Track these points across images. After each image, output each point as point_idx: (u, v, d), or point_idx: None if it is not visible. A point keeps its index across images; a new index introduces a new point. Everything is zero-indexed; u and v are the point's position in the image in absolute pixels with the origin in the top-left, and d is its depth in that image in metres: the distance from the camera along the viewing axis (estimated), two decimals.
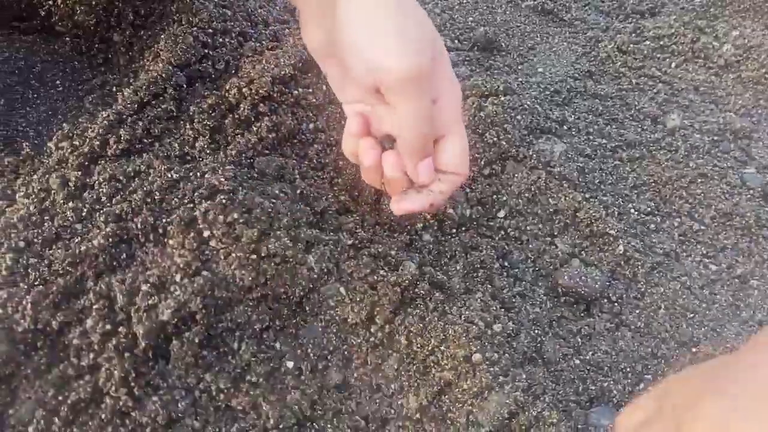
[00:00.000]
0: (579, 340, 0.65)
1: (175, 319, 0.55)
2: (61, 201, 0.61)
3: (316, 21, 0.51)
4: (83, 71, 0.80)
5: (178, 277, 0.57)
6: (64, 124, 0.68)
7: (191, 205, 0.62)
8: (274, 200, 0.64)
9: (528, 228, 0.72)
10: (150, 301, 0.55)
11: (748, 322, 0.69)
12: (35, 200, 0.61)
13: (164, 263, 0.59)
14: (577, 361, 0.64)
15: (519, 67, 0.90)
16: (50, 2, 0.82)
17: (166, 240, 0.60)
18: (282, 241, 0.60)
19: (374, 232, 0.69)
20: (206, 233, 0.60)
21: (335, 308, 0.60)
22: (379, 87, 0.49)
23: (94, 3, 0.81)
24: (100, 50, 0.81)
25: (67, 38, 0.82)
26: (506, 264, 0.70)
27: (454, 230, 0.71)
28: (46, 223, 0.60)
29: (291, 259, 0.60)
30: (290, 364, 0.58)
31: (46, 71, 0.79)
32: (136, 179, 0.64)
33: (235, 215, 0.61)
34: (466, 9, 0.96)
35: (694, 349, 0.66)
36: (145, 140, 0.67)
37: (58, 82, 0.78)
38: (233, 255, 0.59)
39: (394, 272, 0.62)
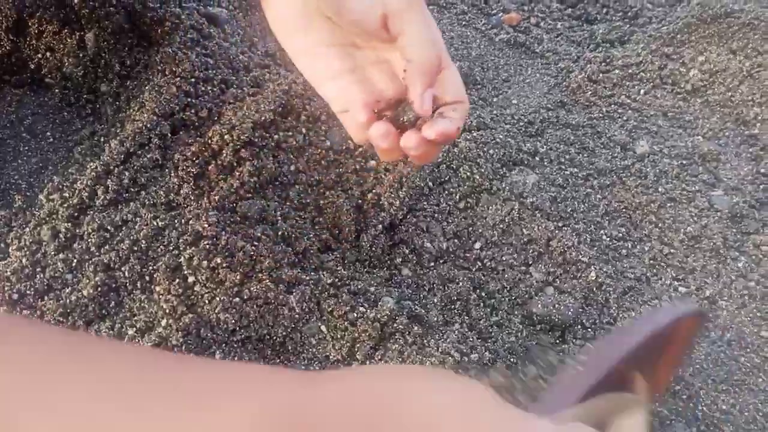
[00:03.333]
0: (554, 367, 0.68)
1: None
2: (52, 252, 0.64)
3: None
4: (72, 122, 0.83)
5: (163, 321, 0.60)
6: (54, 177, 0.71)
7: (176, 252, 0.65)
8: (256, 243, 0.67)
9: (503, 258, 0.75)
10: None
11: (716, 342, 0.72)
12: (27, 253, 0.64)
13: (151, 309, 0.61)
14: None
15: (494, 100, 0.94)
16: (39, 55, 0.86)
17: (152, 287, 0.63)
18: (264, 283, 0.63)
19: (355, 269, 0.72)
20: (191, 279, 0.63)
21: (317, 346, 0.63)
22: (384, 20, 0.50)
23: (81, 55, 0.85)
24: (88, 101, 0.84)
25: (57, 90, 0.86)
26: (483, 294, 0.73)
27: (432, 263, 0.74)
28: (38, 275, 0.63)
29: (273, 301, 0.63)
30: None
31: (36, 123, 0.82)
32: (124, 228, 0.67)
33: (219, 260, 0.64)
34: None
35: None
36: (132, 189, 0.70)
37: (48, 133, 0.81)
38: (217, 299, 0.62)
39: (374, 308, 0.65)
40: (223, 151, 0.73)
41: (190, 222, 0.67)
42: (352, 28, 0.53)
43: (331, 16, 0.53)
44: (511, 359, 0.67)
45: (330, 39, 0.53)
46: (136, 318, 0.61)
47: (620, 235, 0.80)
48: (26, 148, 0.79)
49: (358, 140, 0.55)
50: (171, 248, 0.65)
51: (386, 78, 0.54)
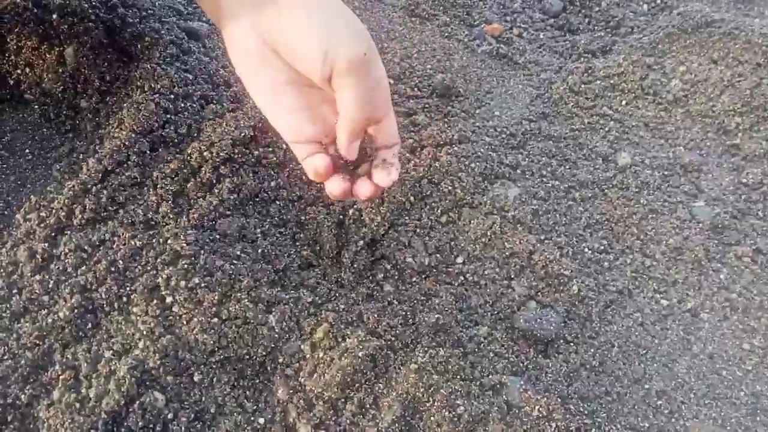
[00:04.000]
0: (539, 381, 0.68)
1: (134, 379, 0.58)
2: (29, 274, 0.64)
3: (249, 26, 0.54)
4: (51, 138, 0.82)
5: (141, 343, 0.60)
6: (32, 196, 0.70)
7: (154, 272, 0.64)
8: (235, 261, 0.67)
9: (486, 272, 0.75)
10: (111, 366, 0.58)
11: (698, 355, 0.72)
12: (4, 274, 0.64)
13: (128, 331, 0.61)
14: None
15: (476, 112, 0.94)
16: (18, 71, 0.85)
17: (130, 308, 0.62)
18: (242, 303, 0.63)
19: (338, 284, 0.72)
20: (169, 299, 0.62)
21: (297, 366, 0.62)
22: (330, 75, 0.53)
23: (61, 70, 0.84)
24: (68, 116, 0.83)
25: (36, 106, 0.85)
26: (465, 309, 0.72)
27: (414, 278, 0.73)
28: (14, 297, 0.62)
29: (252, 321, 0.62)
30: (261, 420, 0.61)
31: (15, 140, 0.81)
32: (101, 248, 0.66)
33: (197, 280, 0.63)
34: (425, 57, 0.99)
35: (659, 402, 0.68)
36: (110, 208, 0.70)
37: (27, 150, 0.81)
38: (195, 319, 0.61)
39: (355, 327, 0.65)
40: (203, 168, 0.73)
41: (169, 241, 0.66)
42: (302, 74, 0.55)
43: (286, 58, 0.55)
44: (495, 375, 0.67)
45: (284, 77, 0.56)
46: (113, 340, 0.60)
47: (602, 247, 0.80)
48: (4, 165, 0.79)
49: (307, 170, 0.58)
50: (149, 268, 0.65)
51: (333, 116, 0.57)
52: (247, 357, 0.62)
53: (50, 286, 0.63)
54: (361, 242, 0.74)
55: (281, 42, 0.54)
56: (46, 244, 0.66)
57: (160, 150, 0.74)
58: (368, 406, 0.61)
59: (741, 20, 1.03)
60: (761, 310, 0.76)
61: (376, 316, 0.67)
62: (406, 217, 0.76)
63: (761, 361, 0.72)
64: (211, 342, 0.60)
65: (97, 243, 0.67)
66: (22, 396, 0.56)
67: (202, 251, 0.66)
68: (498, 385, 0.65)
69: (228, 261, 0.66)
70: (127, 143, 0.73)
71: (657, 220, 0.83)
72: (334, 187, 0.57)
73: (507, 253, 0.76)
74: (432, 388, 0.61)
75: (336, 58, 0.52)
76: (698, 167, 0.90)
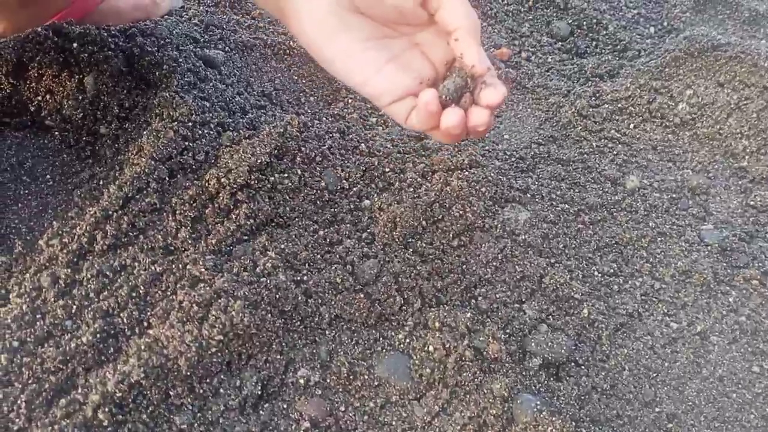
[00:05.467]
0: (551, 405, 0.69)
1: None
2: (52, 299, 0.65)
3: None
4: (72, 164, 0.84)
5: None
6: (54, 222, 0.72)
7: (173, 297, 0.66)
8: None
9: (497, 296, 0.76)
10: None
11: (708, 378, 0.73)
12: (27, 299, 0.65)
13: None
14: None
15: (486, 136, 0.95)
16: (39, 98, 0.88)
17: (150, 332, 0.64)
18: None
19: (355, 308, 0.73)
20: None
21: (307, 387, 0.64)
22: None
23: (81, 98, 0.86)
24: (87, 143, 0.85)
25: (56, 132, 0.87)
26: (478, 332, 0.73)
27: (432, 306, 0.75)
28: (38, 322, 0.64)
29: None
30: None
31: (36, 166, 0.84)
32: (122, 274, 0.68)
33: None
34: None
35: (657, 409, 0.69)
36: (131, 234, 0.71)
37: (48, 176, 0.83)
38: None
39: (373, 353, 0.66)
40: (220, 195, 0.75)
41: (188, 267, 0.68)
42: (389, 13, 0.56)
43: (366, 6, 0.55)
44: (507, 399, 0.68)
45: (364, 34, 0.56)
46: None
47: (612, 270, 0.81)
48: (26, 191, 0.81)
49: (415, 125, 0.57)
50: (168, 293, 0.66)
51: (421, 60, 0.58)
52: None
53: (73, 311, 0.65)
54: None
55: None
56: (69, 270, 0.68)
57: (178, 176, 0.76)
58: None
59: (747, 44, 1.04)
60: None
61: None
62: (419, 242, 0.78)
63: None
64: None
65: (118, 268, 0.68)
66: (47, 420, 0.58)
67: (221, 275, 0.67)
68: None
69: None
70: (146, 170, 0.75)
71: (666, 243, 0.84)
72: (452, 118, 0.54)
73: (518, 277, 0.77)
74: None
75: None
76: (706, 190, 0.91)
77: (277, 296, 0.67)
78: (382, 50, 0.57)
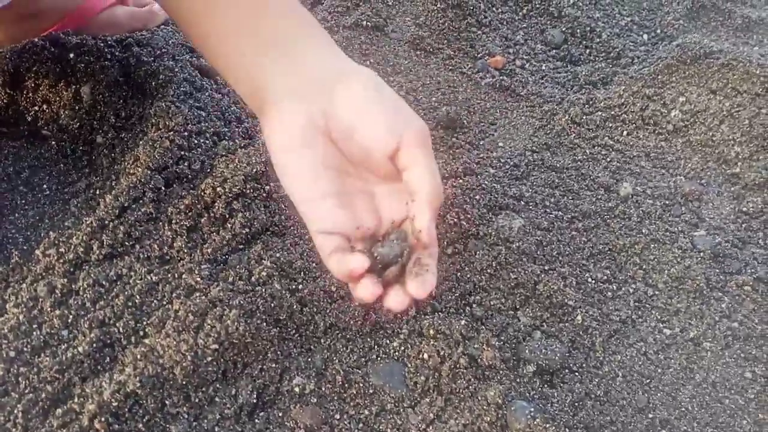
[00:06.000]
0: (544, 412, 0.69)
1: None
2: (49, 308, 0.66)
3: (299, 107, 0.55)
4: (68, 174, 0.85)
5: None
6: (51, 231, 0.73)
7: (169, 306, 0.66)
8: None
9: (491, 303, 0.76)
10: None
11: (701, 384, 0.73)
12: (24, 309, 0.66)
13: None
14: None
15: (480, 143, 0.96)
16: (36, 108, 0.88)
17: (146, 342, 0.64)
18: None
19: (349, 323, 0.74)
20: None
21: (303, 395, 0.64)
22: (395, 152, 0.54)
23: (77, 107, 0.87)
24: (84, 152, 0.86)
25: (53, 142, 0.88)
26: (472, 340, 0.74)
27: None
28: (34, 332, 0.64)
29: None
30: None
31: (33, 175, 0.84)
32: (118, 283, 0.68)
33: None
34: (429, 90, 1.02)
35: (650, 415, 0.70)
36: (127, 243, 0.72)
37: (44, 186, 0.83)
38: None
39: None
40: (216, 204, 0.75)
41: (183, 276, 0.69)
42: (357, 152, 0.56)
43: (338, 138, 0.55)
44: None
45: (325, 160, 0.55)
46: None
47: (605, 277, 0.81)
48: (23, 201, 0.81)
49: (332, 268, 0.54)
50: (164, 303, 0.67)
51: (368, 208, 0.57)
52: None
53: (69, 320, 0.65)
54: None
55: (339, 118, 0.55)
56: (65, 279, 0.68)
57: (174, 186, 0.77)
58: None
59: (739, 51, 1.05)
60: (763, 338, 0.77)
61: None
62: None
63: (763, 389, 0.73)
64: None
65: (114, 278, 0.69)
66: (43, 430, 0.58)
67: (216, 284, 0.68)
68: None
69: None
70: (142, 179, 0.75)
71: (659, 249, 0.85)
72: (366, 292, 0.52)
73: (512, 284, 0.78)
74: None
75: (405, 131, 0.53)
76: (699, 196, 0.92)
77: (272, 305, 0.67)
78: (335, 181, 0.55)
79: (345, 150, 0.56)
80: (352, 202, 0.56)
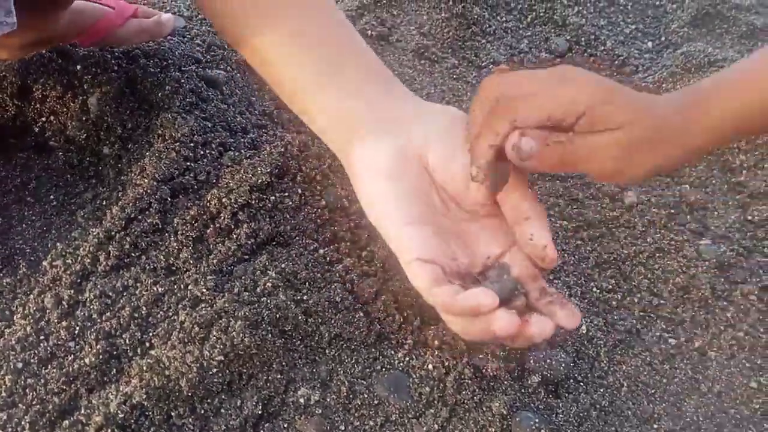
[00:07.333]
0: (549, 423, 0.69)
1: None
2: (55, 320, 0.66)
3: (390, 140, 0.54)
4: (75, 184, 0.85)
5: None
6: (57, 243, 0.73)
7: (175, 317, 0.67)
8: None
9: None
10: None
11: (707, 394, 0.73)
12: (31, 321, 0.66)
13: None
14: None
15: None
16: (43, 119, 0.89)
17: (152, 353, 0.64)
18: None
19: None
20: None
21: (308, 406, 0.64)
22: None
23: (84, 118, 0.88)
24: (91, 163, 0.87)
25: (60, 153, 0.88)
26: (477, 350, 0.74)
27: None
28: (41, 343, 0.65)
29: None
30: None
31: (40, 186, 0.85)
32: (125, 294, 0.69)
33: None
34: (434, 99, 1.02)
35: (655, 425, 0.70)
36: (133, 254, 0.72)
37: (51, 197, 0.84)
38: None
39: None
40: (221, 215, 0.76)
41: (189, 287, 0.69)
42: (453, 183, 0.54)
43: (435, 168, 0.54)
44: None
45: (418, 188, 0.53)
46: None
47: (610, 287, 0.81)
48: (30, 212, 0.82)
49: (438, 302, 0.49)
50: (170, 314, 0.67)
51: (461, 245, 0.53)
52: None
53: (76, 332, 0.66)
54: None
55: (433, 148, 0.54)
56: (72, 291, 0.69)
57: (180, 197, 0.77)
58: None
59: (744, 58, 1.05)
60: None
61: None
62: None
63: None
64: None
65: (121, 289, 0.69)
66: None
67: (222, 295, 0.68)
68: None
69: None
70: (148, 191, 0.76)
71: (664, 258, 0.85)
72: (507, 325, 0.46)
73: None
74: None
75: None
76: (704, 205, 0.91)
77: (278, 316, 0.68)
78: (427, 208, 0.53)
79: (439, 180, 0.54)
80: (446, 233, 0.53)
